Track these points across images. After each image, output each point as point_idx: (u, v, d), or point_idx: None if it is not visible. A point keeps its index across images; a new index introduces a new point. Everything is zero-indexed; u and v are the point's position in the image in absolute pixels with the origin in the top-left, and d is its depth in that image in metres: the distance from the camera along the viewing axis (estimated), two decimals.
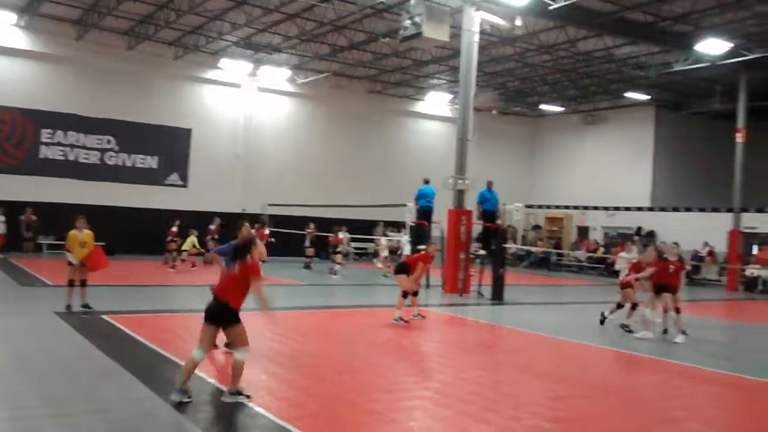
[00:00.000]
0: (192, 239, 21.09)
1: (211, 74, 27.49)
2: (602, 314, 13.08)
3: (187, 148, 27.27)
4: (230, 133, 28.15)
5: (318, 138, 30.10)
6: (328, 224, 23.71)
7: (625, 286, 12.61)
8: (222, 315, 6.48)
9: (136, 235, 23.91)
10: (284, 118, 29.66)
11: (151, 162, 26.58)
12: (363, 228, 26.67)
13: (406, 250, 22.61)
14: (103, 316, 10.98)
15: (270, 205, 26.11)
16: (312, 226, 23.86)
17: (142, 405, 6.36)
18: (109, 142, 25.73)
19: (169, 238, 21.24)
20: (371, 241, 26.78)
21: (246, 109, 28.47)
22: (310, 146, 29.83)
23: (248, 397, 6.52)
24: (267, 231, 22.20)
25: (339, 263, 21.75)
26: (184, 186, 27.20)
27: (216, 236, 23.50)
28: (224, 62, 26.88)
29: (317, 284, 19.35)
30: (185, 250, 21.20)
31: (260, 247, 6.91)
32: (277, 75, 28.26)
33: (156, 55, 25.74)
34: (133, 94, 25.88)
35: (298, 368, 8.32)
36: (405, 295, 12.52)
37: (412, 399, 7.07)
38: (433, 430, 6.14)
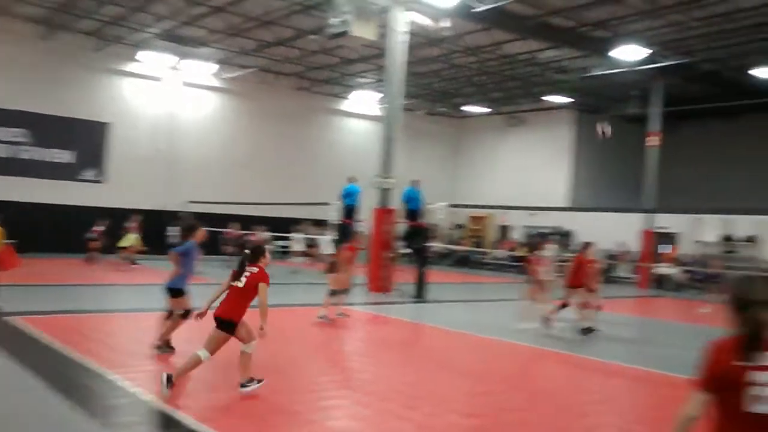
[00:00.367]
0: (133, 236, 20.86)
1: (132, 67, 26.66)
2: (547, 318, 12.80)
3: (106, 142, 26.36)
4: (152, 128, 27.37)
5: (243, 134, 29.65)
6: (253, 222, 23.40)
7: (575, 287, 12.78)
8: (230, 328, 6.79)
9: (51, 232, 22.98)
10: (208, 113, 29.07)
11: (67, 156, 25.56)
12: (289, 227, 26.43)
13: (328, 249, 22.75)
14: (13, 317, 10.48)
15: (191, 202, 25.56)
16: (234, 227, 23.48)
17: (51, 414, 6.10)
18: (22, 135, 24.59)
19: (93, 236, 20.72)
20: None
21: (168, 103, 27.75)
22: (235, 143, 29.35)
23: (260, 381, 6.80)
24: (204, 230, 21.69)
25: None
26: (102, 182, 26.29)
27: (138, 234, 22.91)
28: (146, 55, 26.10)
29: None
30: (123, 247, 20.96)
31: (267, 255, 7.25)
32: (202, 69, 27.64)
33: (74, 46, 24.76)
34: (49, 85, 24.76)
35: (219, 369, 8.15)
36: (334, 293, 12.44)
37: (332, 398, 7.06)
38: (353, 429, 6.14)
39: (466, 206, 34.91)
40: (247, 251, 7.27)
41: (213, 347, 6.75)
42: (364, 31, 16.66)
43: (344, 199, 19.66)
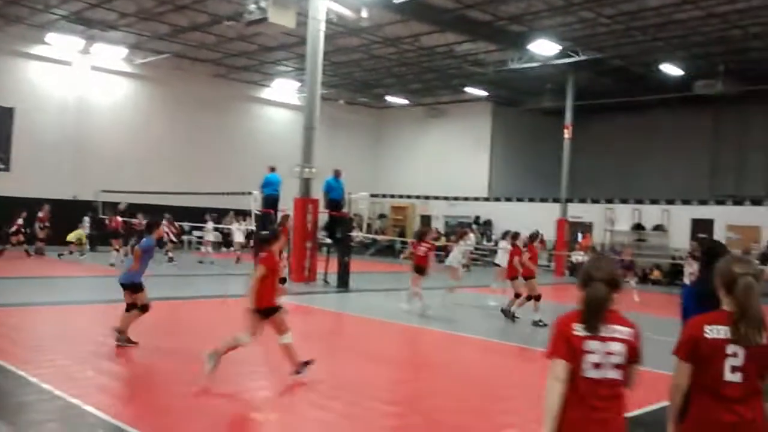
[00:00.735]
0: (80, 232, 21.14)
1: (37, 50, 25.29)
2: (507, 311, 12.84)
3: (9, 128, 24.96)
4: (59, 113, 26.11)
5: (159, 122, 28.70)
6: (171, 213, 22.67)
7: (513, 277, 13.03)
8: (267, 313, 7.08)
9: None
10: (121, 99, 27.96)
11: None
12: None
13: (237, 237, 22.64)
14: None
15: (104, 191, 24.60)
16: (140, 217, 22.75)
17: None
18: None
19: (14, 228, 19.99)
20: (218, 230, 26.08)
21: (77, 88, 26.53)
22: (150, 131, 28.37)
23: (308, 362, 7.16)
24: (120, 219, 20.94)
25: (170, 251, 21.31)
26: (6, 170, 24.91)
27: (46, 224, 21.93)
28: (53, 37, 24.85)
29: (157, 275, 18.49)
30: (71, 242, 21.11)
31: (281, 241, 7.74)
32: (113, 54, 26.54)
33: None
34: None
35: (132, 364, 7.91)
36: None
37: (253, 390, 6.97)
38: (274, 420, 6.08)
39: (388, 196, 35.21)
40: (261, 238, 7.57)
41: (253, 331, 7.13)
42: (282, 19, 16.43)
43: (264, 188, 19.40)
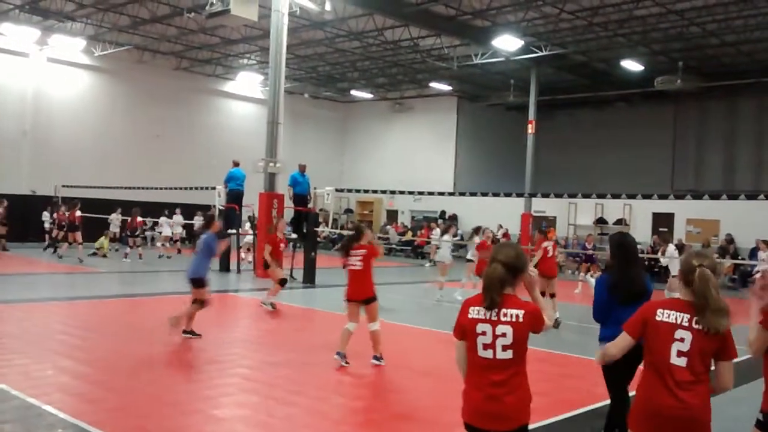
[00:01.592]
0: (103, 240, 21.68)
1: None
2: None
3: None
4: (16, 106, 25.42)
5: (120, 115, 28.13)
6: (131, 208, 22.29)
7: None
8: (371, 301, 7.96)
9: None
10: (79, 92, 27.33)
11: None
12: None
13: (166, 231, 22.63)
14: None
15: (65, 186, 24.06)
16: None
17: None
18: None
19: None
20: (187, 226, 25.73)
21: (34, 81, 25.85)
22: (111, 124, 27.79)
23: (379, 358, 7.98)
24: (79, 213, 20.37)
25: (131, 246, 20.99)
26: None
27: (3, 221, 21.40)
28: (7, 28, 24.16)
29: (119, 271, 18.20)
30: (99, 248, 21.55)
31: (370, 236, 8.34)
32: (71, 45, 25.91)
33: None
34: None
35: (93, 362, 7.74)
36: (283, 282, 12.54)
37: (216, 387, 6.86)
38: (238, 417, 6.00)
39: (354, 191, 35.11)
40: (350, 234, 8.44)
41: (356, 318, 7.94)
42: (244, 11, 16.22)
43: (228, 183, 19.18)
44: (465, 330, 3.40)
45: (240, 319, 12.14)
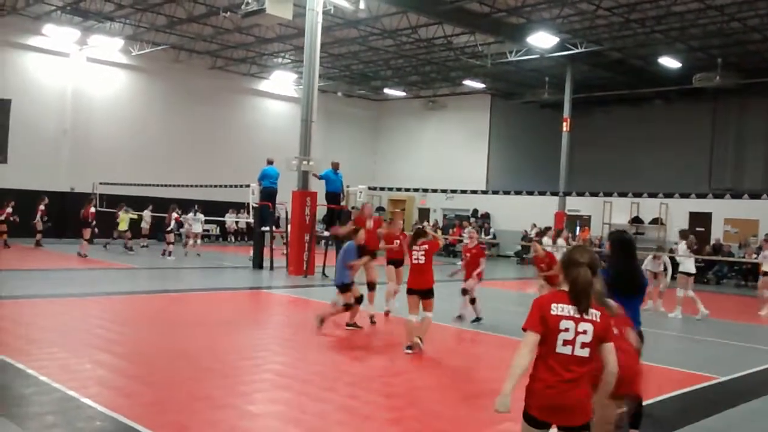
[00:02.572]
0: (126, 215, 21.67)
1: (33, 41, 25.17)
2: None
3: (6, 120, 24.76)
4: (56, 105, 26.01)
5: (156, 114, 28.59)
6: (167, 205, 22.61)
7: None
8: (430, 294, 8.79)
9: None
10: (118, 91, 27.84)
11: None
12: (211, 210, 25.75)
13: (196, 228, 22.68)
14: None
15: (102, 183, 24.54)
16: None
17: None
18: None
19: (2, 217, 20.15)
20: (219, 223, 26.05)
21: (74, 80, 26.41)
22: (147, 123, 28.25)
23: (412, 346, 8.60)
24: (93, 210, 20.77)
25: (171, 243, 21.02)
26: (4, 162, 24.72)
27: (45, 217, 21.92)
28: (49, 28, 24.73)
29: (153, 267, 18.49)
30: (124, 231, 21.75)
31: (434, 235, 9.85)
32: (110, 45, 26.42)
33: None
34: None
35: (129, 356, 7.89)
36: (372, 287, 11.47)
37: (251, 383, 6.94)
38: (272, 412, 6.06)
39: (386, 189, 35.12)
40: (415, 231, 9.22)
41: (416, 309, 8.75)
42: (279, 10, 16.34)
43: (262, 181, 19.36)
44: (547, 325, 3.52)
45: (273, 315, 12.26)
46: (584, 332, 3.51)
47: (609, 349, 3.60)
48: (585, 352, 3.52)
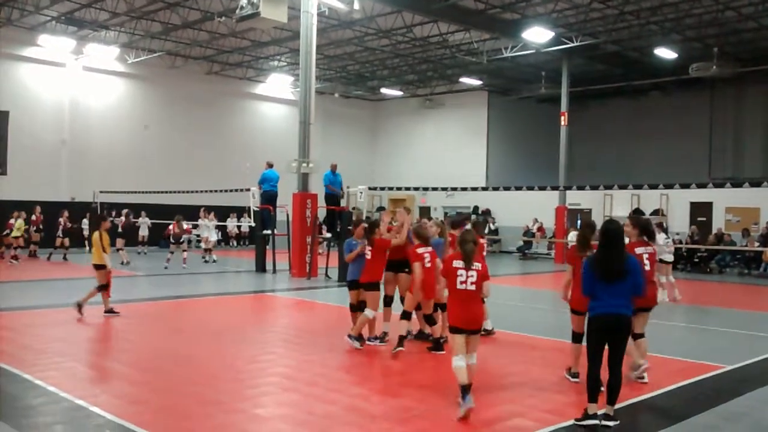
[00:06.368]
0: (20, 222, 20.78)
1: (29, 52, 25.21)
2: None
3: (5, 131, 24.77)
4: (54, 115, 26.04)
5: (153, 121, 28.60)
6: (168, 211, 22.61)
7: None
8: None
9: None
10: (115, 99, 27.88)
11: None
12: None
13: (213, 237, 22.23)
14: None
15: (102, 192, 24.56)
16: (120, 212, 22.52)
17: None
18: None
19: (6, 231, 20.25)
20: (220, 227, 25.98)
21: (71, 89, 26.44)
22: (146, 129, 28.27)
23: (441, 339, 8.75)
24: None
25: (182, 251, 20.70)
26: (3, 173, 24.73)
27: (40, 226, 21.96)
28: (44, 39, 24.75)
29: (156, 274, 18.50)
30: (16, 238, 20.75)
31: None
32: (105, 54, 26.44)
33: None
34: None
35: (136, 363, 7.90)
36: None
37: (258, 386, 6.95)
38: (280, 415, 6.07)
39: (386, 189, 35.18)
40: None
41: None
42: (274, 13, 16.33)
43: (262, 185, 19.36)
44: (449, 271, 6.36)
45: (277, 318, 12.27)
46: (471, 276, 6.16)
47: (486, 284, 6.30)
48: (473, 287, 6.14)
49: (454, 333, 6.16)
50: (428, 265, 8.25)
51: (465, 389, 5.90)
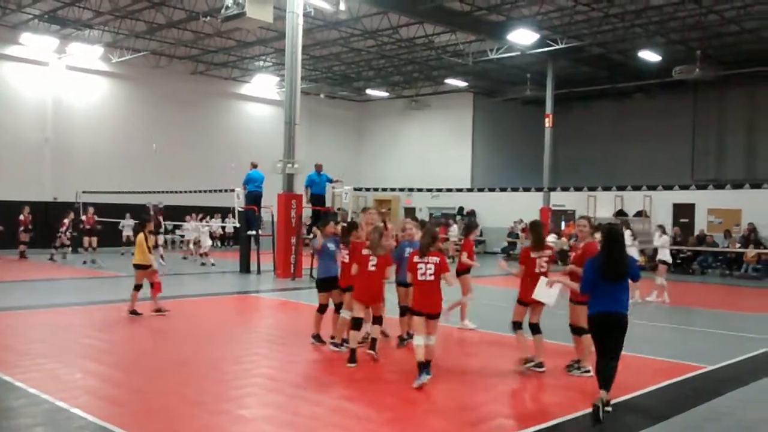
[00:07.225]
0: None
1: (11, 50, 24.96)
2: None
3: None
4: (37, 115, 25.80)
5: (138, 121, 28.39)
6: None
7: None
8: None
9: None
10: (98, 99, 27.65)
11: None
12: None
13: (207, 241, 21.87)
14: None
15: (85, 192, 24.36)
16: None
17: None
18: None
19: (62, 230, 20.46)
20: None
21: (54, 89, 26.19)
22: (130, 129, 28.06)
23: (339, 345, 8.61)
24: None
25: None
26: None
27: (29, 226, 21.69)
28: (27, 37, 24.51)
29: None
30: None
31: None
32: (89, 53, 26.21)
33: None
34: None
35: (119, 364, 7.85)
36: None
37: (242, 387, 6.92)
38: (265, 416, 6.04)
39: (372, 189, 35.17)
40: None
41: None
42: (260, 14, 16.27)
43: (247, 185, 19.29)
44: (412, 265, 7.26)
45: (262, 319, 12.23)
46: (429, 268, 6.96)
47: (446, 275, 7.03)
48: (432, 278, 6.90)
49: (416, 315, 7.13)
50: (372, 268, 7.98)
51: (421, 365, 6.92)
